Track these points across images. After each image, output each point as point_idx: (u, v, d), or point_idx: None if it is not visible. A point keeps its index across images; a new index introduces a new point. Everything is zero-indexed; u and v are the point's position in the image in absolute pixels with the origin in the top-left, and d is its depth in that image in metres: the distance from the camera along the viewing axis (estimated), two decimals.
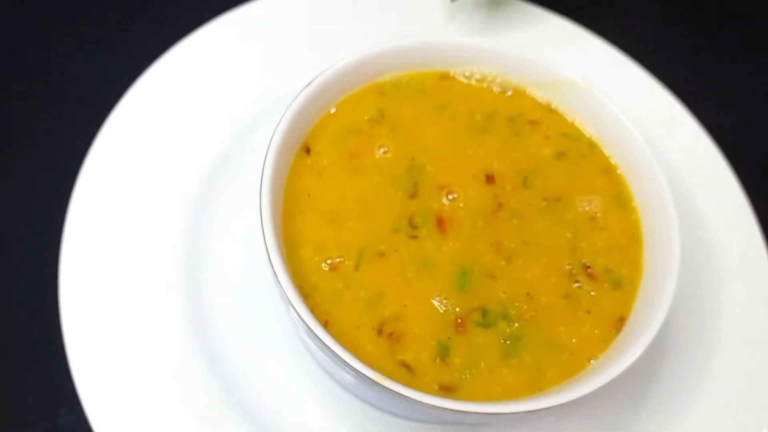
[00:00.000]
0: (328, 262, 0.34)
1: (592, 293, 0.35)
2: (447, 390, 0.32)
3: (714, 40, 0.57)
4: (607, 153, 0.39)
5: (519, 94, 0.40)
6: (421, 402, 0.30)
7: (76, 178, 0.40)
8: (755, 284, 0.43)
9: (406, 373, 0.32)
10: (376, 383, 0.30)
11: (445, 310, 0.34)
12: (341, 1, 0.49)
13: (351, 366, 0.30)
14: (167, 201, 0.41)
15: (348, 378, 0.35)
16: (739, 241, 0.44)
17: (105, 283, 0.38)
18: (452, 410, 0.30)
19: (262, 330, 0.39)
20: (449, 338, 0.33)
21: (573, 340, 0.34)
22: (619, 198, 0.38)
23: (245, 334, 0.38)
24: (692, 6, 0.58)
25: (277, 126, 0.35)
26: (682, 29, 0.57)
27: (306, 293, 0.33)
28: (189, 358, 0.37)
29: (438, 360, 0.33)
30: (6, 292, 0.41)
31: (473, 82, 0.40)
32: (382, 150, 0.38)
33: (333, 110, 0.38)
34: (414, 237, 0.35)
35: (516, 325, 0.34)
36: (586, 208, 0.38)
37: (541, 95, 0.40)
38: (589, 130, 0.40)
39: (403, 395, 0.30)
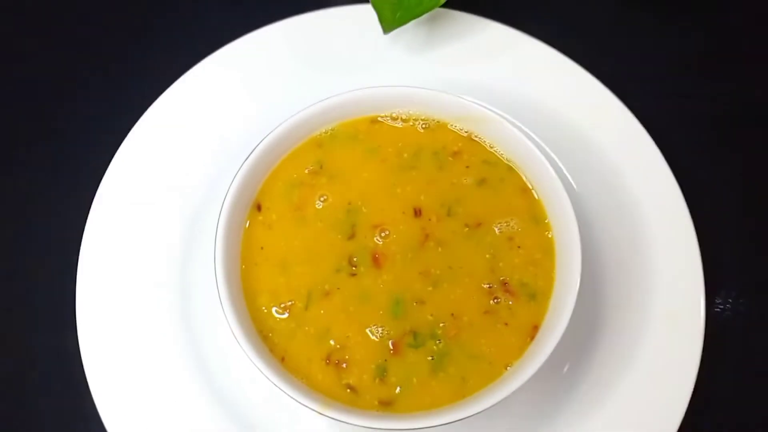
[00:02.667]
0: (282, 305, 0.41)
1: (509, 306, 0.41)
2: (386, 405, 0.40)
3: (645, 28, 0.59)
4: (523, 176, 0.44)
5: (441, 128, 0.45)
6: (357, 424, 0.37)
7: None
8: (685, 270, 0.47)
9: (351, 393, 0.40)
10: (319, 413, 0.37)
11: (381, 337, 0.41)
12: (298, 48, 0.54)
13: (297, 400, 0.37)
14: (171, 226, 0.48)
15: None
16: (668, 221, 0.49)
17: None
18: (384, 429, 0.37)
19: None
20: (386, 360, 0.40)
21: (492, 351, 0.41)
22: (535, 217, 0.43)
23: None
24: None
25: (227, 191, 0.41)
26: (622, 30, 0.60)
27: (265, 335, 0.41)
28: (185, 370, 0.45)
29: (377, 380, 0.40)
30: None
31: (399, 124, 0.45)
32: (322, 199, 0.44)
33: (276, 166, 0.44)
34: (353, 275, 0.42)
35: (441, 343, 0.41)
36: (504, 230, 0.43)
37: (460, 127, 0.45)
38: (506, 156, 0.45)
39: (341, 420, 0.37)
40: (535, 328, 0.41)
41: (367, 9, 0.52)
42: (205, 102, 0.51)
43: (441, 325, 0.41)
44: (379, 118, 0.45)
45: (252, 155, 0.42)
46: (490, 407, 0.38)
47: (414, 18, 0.49)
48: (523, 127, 0.44)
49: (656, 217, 0.48)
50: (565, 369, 0.45)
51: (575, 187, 0.49)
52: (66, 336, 0.46)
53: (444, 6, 0.52)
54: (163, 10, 0.59)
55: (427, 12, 0.49)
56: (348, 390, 0.40)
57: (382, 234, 0.43)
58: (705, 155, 0.55)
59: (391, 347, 0.41)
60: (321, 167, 0.44)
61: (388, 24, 0.49)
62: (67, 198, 0.51)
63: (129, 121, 0.50)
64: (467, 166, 0.45)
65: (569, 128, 0.51)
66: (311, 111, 0.44)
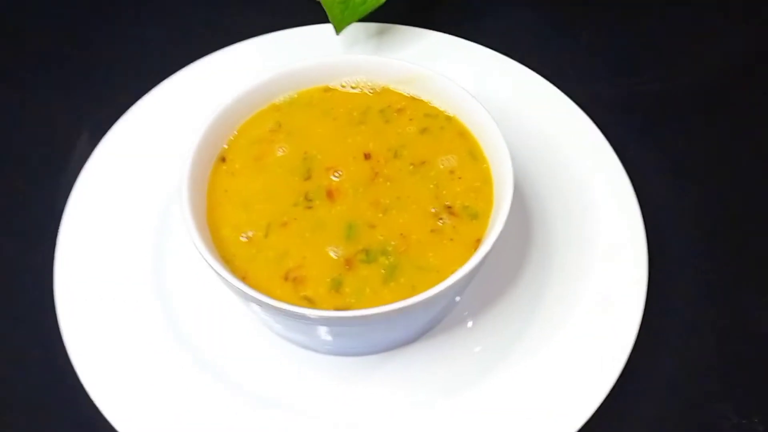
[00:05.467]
0: (243, 236, 0.45)
1: (454, 225, 0.45)
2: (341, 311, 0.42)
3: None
4: (461, 121, 0.49)
5: (386, 91, 0.51)
6: (309, 316, 0.39)
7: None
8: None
9: (308, 303, 0.42)
10: (274, 307, 0.39)
11: (336, 256, 0.44)
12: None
13: (255, 298, 0.40)
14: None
15: (272, 322, 0.45)
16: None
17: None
18: (334, 317, 0.39)
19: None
20: (340, 275, 0.43)
21: (439, 262, 0.43)
22: (472, 153, 0.48)
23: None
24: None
25: (190, 143, 0.46)
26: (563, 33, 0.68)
27: (227, 260, 0.44)
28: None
29: (332, 291, 0.43)
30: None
31: (349, 90, 0.51)
32: (281, 150, 0.48)
33: (238, 128, 0.49)
34: (309, 207, 0.46)
35: (392, 257, 0.44)
36: (446, 165, 0.48)
37: (402, 89, 0.51)
38: (445, 108, 0.50)
39: (294, 312, 0.39)
40: (478, 241, 0.44)
41: (314, 29, 0.60)
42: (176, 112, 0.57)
43: (392, 243, 0.44)
44: (330, 86, 0.51)
45: (212, 114, 0.47)
46: (430, 298, 0.40)
47: (360, 16, 0.57)
48: (458, 81, 0.50)
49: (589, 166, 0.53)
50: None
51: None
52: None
53: (392, 22, 0.61)
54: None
55: (369, 10, 0.57)
56: (306, 301, 0.42)
57: (336, 174, 0.47)
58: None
59: (345, 264, 0.43)
60: (279, 126, 0.50)
61: (338, 23, 0.57)
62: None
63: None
64: (410, 119, 0.50)
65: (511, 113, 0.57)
66: (266, 76, 0.49)
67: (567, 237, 0.52)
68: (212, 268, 0.41)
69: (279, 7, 0.67)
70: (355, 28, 0.62)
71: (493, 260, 0.45)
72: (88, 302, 0.48)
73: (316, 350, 0.47)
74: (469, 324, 0.49)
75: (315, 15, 0.60)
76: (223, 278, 0.41)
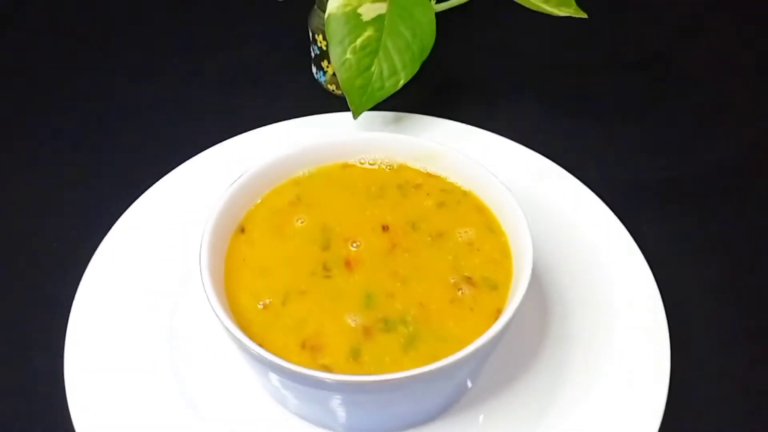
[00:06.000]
0: (261, 303, 0.44)
1: (474, 295, 0.44)
2: None
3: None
4: (477, 196, 0.50)
5: (403, 168, 0.52)
6: (327, 380, 0.38)
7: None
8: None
9: (326, 371, 0.41)
10: (292, 371, 0.38)
11: (354, 324, 0.43)
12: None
13: (272, 363, 0.39)
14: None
15: (287, 396, 0.43)
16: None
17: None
18: (354, 382, 0.38)
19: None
20: (359, 343, 0.42)
21: (460, 332, 0.43)
22: (490, 227, 0.48)
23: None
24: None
25: (209, 213, 0.46)
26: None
27: (244, 327, 0.43)
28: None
29: (351, 360, 0.42)
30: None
31: (367, 166, 0.52)
32: (299, 222, 0.49)
33: (259, 201, 0.50)
34: (328, 277, 0.46)
35: (411, 327, 0.43)
36: (464, 237, 0.48)
37: (420, 166, 0.52)
38: (461, 183, 0.51)
39: (311, 376, 0.38)
40: (499, 311, 0.44)
41: (332, 116, 0.63)
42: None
43: (411, 312, 0.44)
44: (349, 163, 0.52)
45: (233, 184, 0.48)
46: (453, 364, 0.39)
47: (378, 100, 0.59)
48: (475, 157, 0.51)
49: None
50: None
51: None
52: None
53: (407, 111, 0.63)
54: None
55: (387, 95, 0.59)
56: (323, 368, 0.41)
57: (354, 245, 0.47)
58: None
59: (364, 332, 0.43)
60: (299, 199, 0.50)
61: (357, 107, 0.59)
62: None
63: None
64: (428, 194, 0.51)
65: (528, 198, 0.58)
66: (286, 151, 0.51)
67: (584, 315, 0.51)
68: (230, 332, 0.40)
69: (294, 98, 0.70)
70: (372, 117, 0.64)
71: (509, 342, 0.44)
72: (98, 383, 0.47)
73: (329, 427, 0.45)
74: (486, 408, 0.47)
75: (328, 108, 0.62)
76: (241, 343, 0.40)
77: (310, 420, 0.46)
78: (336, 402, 0.42)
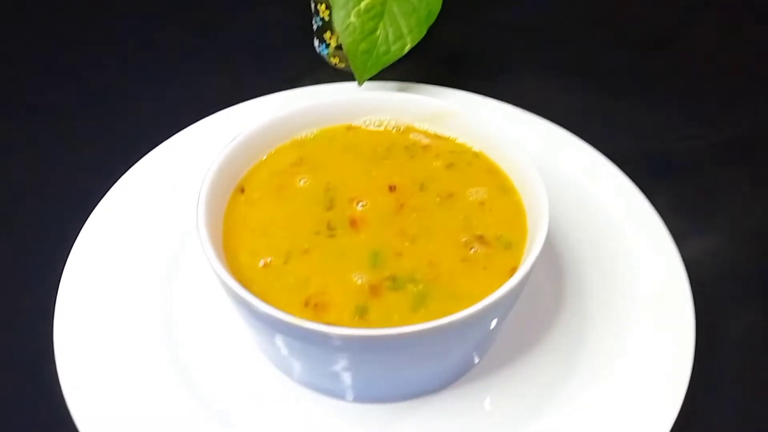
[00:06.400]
0: (261, 262, 0.42)
1: (487, 254, 0.42)
2: None
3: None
4: (490, 158, 0.48)
5: (410, 129, 0.50)
6: (331, 334, 0.36)
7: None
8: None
9: None
10: (295, 325, 0.36)
11: (360, 282, 0.41)
12: None
13: (274, 318, 0.36)
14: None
15: (290, 361, 0.41)
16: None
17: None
18: (360, 336, 0.36)
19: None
20: (366, 301, 0.40)
21: (473, 290, 0.40)
22: (503, 186, 0.46)
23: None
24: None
25: (207, 171, 0.44)
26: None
27: (244, 286, 0.40)
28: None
29: (357, 318, 0.39)
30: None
31: (372, 128, 0.50)
32: (302, 181, 0.46)
33: (259, 161, 0.47)
34: (332, 236, 0.43)
35: (421, 285, 0.41)
36: (475, 197, 0.45)
37: (428, 127, 0.50)
38: (471, 144, 0.49)
39: (315, 330, 0.36)
40: (513, 270, 0.41)
41: (337, 86, 0.60)
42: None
43: (421, 270, 0.41)
44: (353, 125, 0.50)
45: (230, 143, 0.46)
46: (468, 319, 0.37)
47: (383, 66, 0.57)
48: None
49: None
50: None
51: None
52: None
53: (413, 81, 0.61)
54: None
55: (392, 60, 0.57)
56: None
57: (360, 204, 0.45)
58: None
59: (371, 290, 0.40)
60: (301, 160, 0.48)
61: (361, 73, 0.57)
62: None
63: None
64: (437, 155, 0.48)
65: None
66: (287, 111, 0.48)
67: (603, 288, 0.48)
68: (229, 287, 0.38)
69: (295, 72, 0.67)
70: (376, 86, 0.62)
71: (520, 314, 0.42)
72: (89, 350, 0.44)
73: (336, 395, 0.43)
74: (502, 375, 0.45)
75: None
76: (241, 298, 0.37)
77: (315, 388, 0.43)
78: (342, 364, 0.39)
